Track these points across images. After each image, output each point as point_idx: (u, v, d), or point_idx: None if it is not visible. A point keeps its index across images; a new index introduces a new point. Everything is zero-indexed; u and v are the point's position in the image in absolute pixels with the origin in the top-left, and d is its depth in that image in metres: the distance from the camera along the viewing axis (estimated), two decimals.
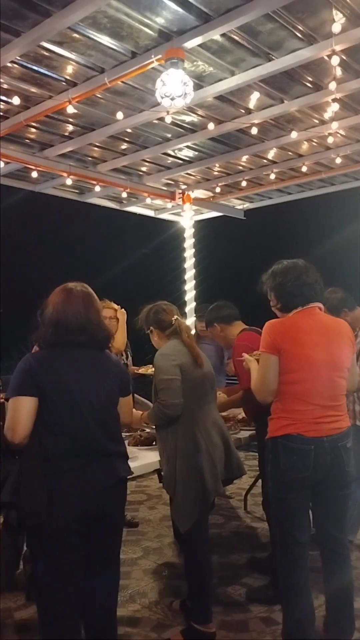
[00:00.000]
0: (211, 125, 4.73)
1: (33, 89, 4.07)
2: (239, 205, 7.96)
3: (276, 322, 2.74)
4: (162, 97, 3.33)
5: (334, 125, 4.63)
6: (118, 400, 2.42)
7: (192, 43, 3.35)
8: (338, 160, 5.72)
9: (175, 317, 3.09)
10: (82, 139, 5.00)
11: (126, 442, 3.19)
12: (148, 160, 5.84)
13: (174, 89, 3.26)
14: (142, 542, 4.24)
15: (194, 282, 7.50)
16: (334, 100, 4.14)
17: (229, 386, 4.81)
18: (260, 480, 3.92)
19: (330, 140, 5.10)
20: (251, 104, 4.46)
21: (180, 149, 5.50)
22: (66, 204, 7.05)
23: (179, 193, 7.05)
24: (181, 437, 2.89)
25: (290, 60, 3.63)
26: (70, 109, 4.12)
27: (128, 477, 2.45)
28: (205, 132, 4.92)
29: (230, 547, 4.12)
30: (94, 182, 6.11)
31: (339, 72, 3.80)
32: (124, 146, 5.39)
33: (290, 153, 5.72)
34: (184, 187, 6.96)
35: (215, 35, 3.33)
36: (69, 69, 3.80)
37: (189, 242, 7.53)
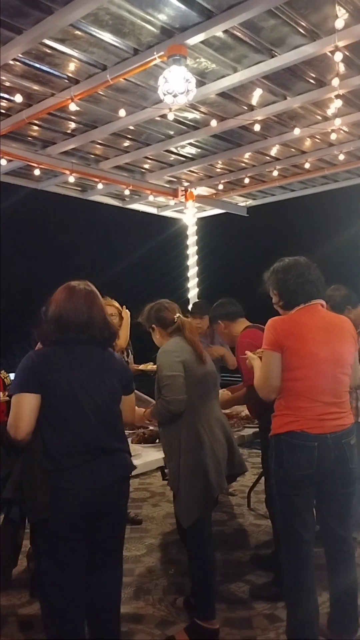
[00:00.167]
0: (214, 122, 4.72)
1: (35, 87, 4.07)
2: (241, 202, 7.95)
3: (278, 319, 2.73)
4: (164, 94, 3.33)
5: (337, 121, 4.62)
6: (120, 398, 2.43)
7: (195, 40, 3.35)
8: (341, 157, 5.71)
9: (178, 314, 3.09)
10: (84, 136, 5.00)
11: (129, 439, 3.19)
12: (151, 157, 5.84)
13: (176, 86, 3.26)
14: (145, 539, 4.25)
15: (196, 279, 7.51)
16: (337, 96, 4.13)
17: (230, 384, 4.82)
18: (263, 478, 3.92)
19: (333, 136, 5.09)
20: (254, 101, 4.45)
21: (182, 146, 5.50)
22: (69, 201, 7.06)
23: (182, 190, 7.06)
24: (184, 433, 2.89)
25: (293, 57, 3.63)
26: (73, 107, 4.13)
27: (131, 474, 2.46)
28: (208, 129, 4.91)
29: (234, 545, 4.12)
30: (97, 180, 6.12)
31: (342, 68, 3.79)
32: (127, 143, 5.39)
33: (293, 150, 5.71)
34: (186, 184, 6.96)
35: (218, 31, 3.33)
36: (71, 66, 3.80)
37: (191, 240, 7.54)
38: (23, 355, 2.31)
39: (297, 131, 4.91)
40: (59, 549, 2.20)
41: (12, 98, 4.13)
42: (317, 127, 4.93)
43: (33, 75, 3.91)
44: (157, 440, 3.42)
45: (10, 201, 9.51)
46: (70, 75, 3.92)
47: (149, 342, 3.30)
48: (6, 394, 3.45)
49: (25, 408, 2.19)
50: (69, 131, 4.99)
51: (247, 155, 5.81)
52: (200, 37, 3.32)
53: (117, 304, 4.20)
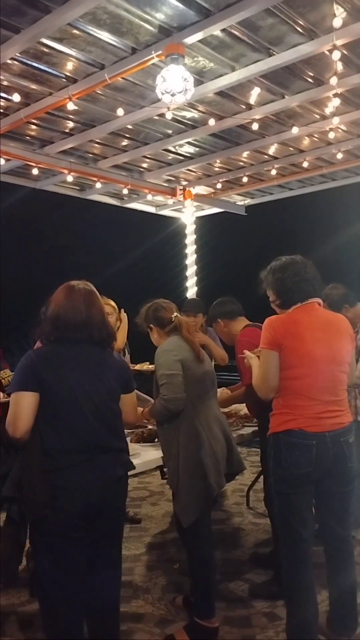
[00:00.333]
0: (212, 121, 4.72)
1: (33, 86, 4.06)
2: (240, 201, 7.95)
3: (276, 318, 2.73)
4: (162, 93, 3.33)
5: (335, 120, 4.62)
6: (119, 397, 2.43)
7: (193, 39, 3.34)
8: (339, 156, 5.71)
9: (175, 314, 3.09)
10: (82, 135, 5.00)
11: (128, 439, 3.20)
12: (149, 156, 5.84)
13: (174, 85, 3.26)
14: (144, 538, 4.25)
15: (195, 278, 7.51)
16: (335, 95, 4.13)
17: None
18: (262, 476, 3.92)
19: (331, 135, 5.09)
20: (252, 100, 4.45)
21: (181, 145, 5.50)
22: (67, 200, 7.06)
23: (180, 189, 7.06)
24: (183, 432, 2.89)
25: (291, 55, 3.62)
26: (71, 106, 4.12)
27: (130, 472, 2.46)
28: (206, 128, 4.91)
29: (233, 543, 4.12)
30: (95, 179, 6.11)
31: (340, 67, 3.79)
32: (125, 142, 5.38)
33: (291, 148, 5.72)
34: (185, 183, 6.96)
35: (216, 30, 3.32)
36: (69, 65, 3.79)
37: (190, 239, 7.54)
38: (22, 355, 2.33)
39: (295, 130, 4.91)
40: (57, 547, 2.21)
41: (10, 97, 4.12)
42: (315, 125, 4.93)
43: (31, 75, 3.91)
44: (156, 440, 3.42)
45: (8, 200, 9.51)
46: (68, 74, 3.92)
47: (146, 342, 3.30)
48: (2, 395, 3.46)
49: (24, 406, 2.19)
50: (67, 130, 4.98)
51: (245, 154, 5.81)
52: (198, 36, 3.32)
53: (113, 303, 4.20)
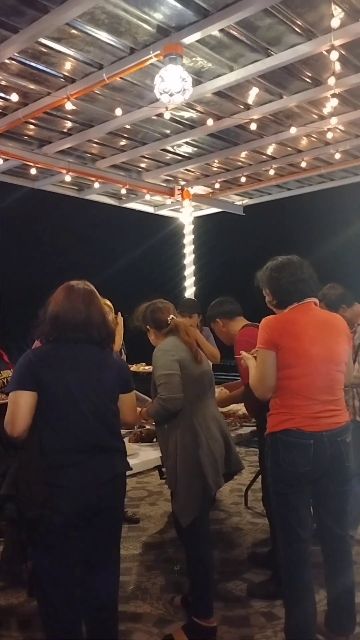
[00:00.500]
0: (210, 121, 4.72)
1: (31, 86, 4.06)
2: (238, 201, 7.96)
3: (272, 318, 2.74)
4: (160, 93, 3.33)
5: (333, 120, 4.62)
6: (117, 397, 2.43)
7: (191, 39, 3.35)
8: (337, 156, 5.71)
9: (171, 316, 3.09)
10: (80, 135, 5.00)
11: (126, 439, 3.20)
12: (147, 156, 5.84)
13: (172, 85, 3.26)
14: (143, 538, 4.25)
15: (193, 278, 7.51)
16: (333, 95, 4.13)
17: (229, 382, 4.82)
18: (260, 476, 3.93)
19: (329, 135, 5.10)
20: (250, 100, 4.46)
21: (179, 145, 5.50)
22: (65, 200, 7.06)
23: (178, 189, 7.06)
24: (181, 432, 2.89)
25: (289, 56, 3.63)
26: (69, 106, 4.12)
27: (128, 472, 2.46)
28: (204, 128, 4.91)
29: (231, 543, 4.13)
30: (93, 179, 6.11)
31: (338, 67, 3.80)
32: (123, 142, 5.38)
33: (289, 149, 5.72)
34: (183, 183, 6.96)
35: (214, 30, 3.33)
36: (67, 65, 3.79)
37: (188, 239, 7.54)
38: (20, 354, 2.33)
39: (293, 130, 4.91)
40: (56, 546, 2.21)
41: (8, 97, 4.12)
42: (313, 126, 4.94)
43: (29, 74, 3.90)
44: (155, 440, 3.42)
45: (6, 200, 9.51)
46: (66, 74, 3.92)
47: (142, 343, 3.30)
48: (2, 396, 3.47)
49: (21, 405, 2.20)
50: (65, 130, 4.98)
51: (243, 154, 5.81)
52: (197, 36, 3.32)
53: (109, 303, 4.20)
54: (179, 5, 3.14)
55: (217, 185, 6.95)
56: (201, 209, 7.95)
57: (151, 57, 3.48)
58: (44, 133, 5.03)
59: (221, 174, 6.55)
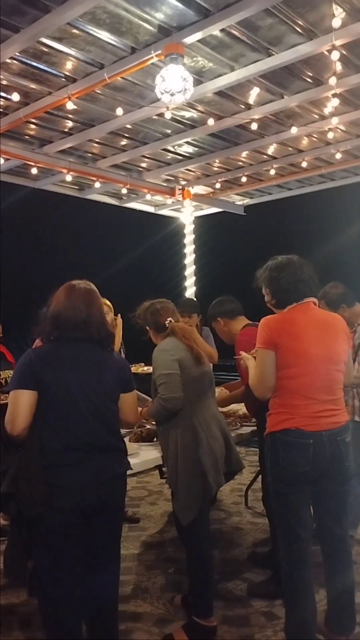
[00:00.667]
0: (211, 121, 4.73)
1: (32, 85, 4.06)
2: (239, 201, 7.96)
3: (272, 318, 2.74)
4: (161, 93, 3.33)
5: (334, 120, 4.63)
6: (117, 397, 2.43)
7: (192, 38, 3.35)
8: (338, 156, 5.71)
9: (169, 319, 3.08)
10: (81, 135, 5.00)
11: (127, 438, 3.20)
12: (148, 156, 5.84)
13: (173, 85, 3.26)
14: (143, 537, 4.25)
15: (194, 278, 7.51)
16: (334, 95, 4.14)
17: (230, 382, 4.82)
18: (260, 476, 3.93)
19: (330, 135, 5.10)
20: (251, 100, 4.46)
21: (180, 145, 5.50)
22: (66, 200, 7.06)
23: (179, 189, 7.06)
24: (182, 431, 2.90)
25: (290, 55, 3.63)
26: (70, 105, 4.12)
27: (128, 472, 2.47)
28: (205, 127, 4.91)
29: (232, 543, 4.13)
30: (94, 179, 6.12)
31: (339, 67, 3.80)
32: (124, 142, 5.38)
33: (290, 148, 5.72)
34: (183, 183, 6.96)
35: (215, 30, 3.33)
36: (69, 64, 3.79)
37: (189, 238, 7.55)
38: (20, 354, 2.35)
39: (294, 130, 4.91)
40: (56, 545, 2.22)
41: (9, 97, 4.12)
42: (314, 126, 4.94)
43: (30, 74, 3.91)
44: (155, 439, 3.42)
45: (7, 200, 9.51)
46: (67, 73, 3.92)
47: (141, 344, 3.30)
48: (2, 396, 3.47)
49: (22, 404, 2.21)
50: (66, 130, 4.98)
51: (244, 154, 5.81)
52: (198, 35, 3.32)
53: (109, 303, 4.21)
54: (180, 5, 3.14)
55: (217, 185, 6.95)
56: (202, 209, 7.95)
57: (152, 57, 3.48)
58: (45, 133, 5.03)
59: (222, 174, 6.55)
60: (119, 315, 4.25)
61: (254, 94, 4.34)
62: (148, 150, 5.50)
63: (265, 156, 5.96)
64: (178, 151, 5.74)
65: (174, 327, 3.06)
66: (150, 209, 7.93)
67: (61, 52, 3.62)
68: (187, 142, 5.43)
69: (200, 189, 7.21)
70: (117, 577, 2.52)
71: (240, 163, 6.22)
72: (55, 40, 3.49)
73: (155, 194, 6.98)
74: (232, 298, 3.75)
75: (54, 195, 6.84)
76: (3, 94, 4.15)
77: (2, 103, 4.32)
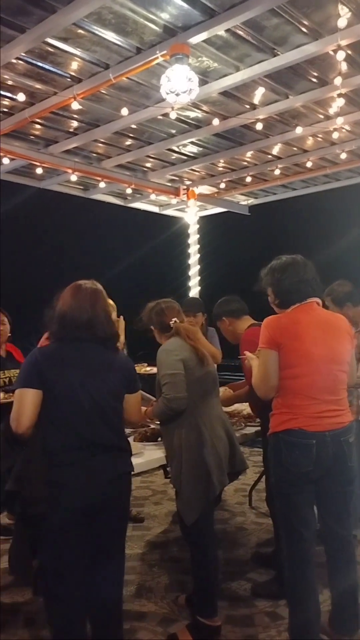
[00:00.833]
0: (216, 121, 4.73)
1: (38, 85, 4.07)
2: (243, 201, 7.96)
3: (274, 317, 2.74)
4: (167, 93, 3.33)
5: (339, 120, 4.62)
6: (122, 397, 2.44)
7: (197, 38, 3.35)
8: (343, 156, 5.71)
9: (174, 319, 3.09)
10: (86, 135, 5.01)
11: (131, 438, 3.20)
12: (153, 156, 5.84)
13: (178, 85, 3.26)
14: (147, 537, 4.26)
15: (198, 277, 7.51)
16: (339, 95, 4.13)
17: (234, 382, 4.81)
18: (264, 476, 3.93)
19: (335, 135, 5.09)
20: (256, 100, 4.46)
21: (184, 145, 5.50)
22: (71, 200, 7.07)
23: (184, 189, 7.06)
24: (186, 431, 2.90)
25: (296, 56, 3.63)
26: (75, 105, 4.13)
27: (131, 472, 2.47)
28: (210, 127, 4.92)
29: (236, 543, 4.13)
30: (99, 179, 6.13)
31: (344, 67, 3.80)
32: (129, 142, 5.39)
33: (295, 149, 5.72)
34: (188, 183, 6.96)
35: (220, 30, 3.33)
36: (74, 65, 3.80)
37: (193, 238, 7.54)
38: (25, 354, 2.36)
39: (299, 130, 4.91)
40: (59, 543, 2.23)
41: (14, 97, 4.14)
42: (319, 126, 4.93)
43: (36, 74, 3.92)
44: (159, 439, 3.43)
45: (12, 200, 9.53)
46: (72, 74, 3.93)
47: (144, 344, 3.31)
48: (3, 395, 3.49)
49: (26, 403, 2.23)
50: (71, 130, 4.99)
51: (249, 154, 5.81)
52: (203, 36, 3.33)
53: (112, 302, 4.21)
54: (185, 5, 3.14)
55: (222, 185, 6.95)
56: (206, 209, 7.95)
57: (157, 57, 3.48)
58: (50, 133, 5.04)
59: (226, 174, 6.55)
60: (122, 317, 4.26)
61: (259, 94, 4.33)
62: (153, 150, 5.50)
63: (270, 156, 5.95)
64: (183, 151, 5.74)
65: (179, 328, 3.07)
66: (155, 209, 7.93)
67: (67, 52, 3.63)
68: (192, 142, 5.43)
69: (204, 189, 7.21)
70: (122, 576, 2.53)
71: (245, 163, 6.22)
72: (60, 41, 3.50)
73: (159, 194, 6.98)
74: (238, 298, 3.75)
75: (59, 195, 6.85)
76: (9, 94, 4.16)
77: (7, 103, 4.33)
